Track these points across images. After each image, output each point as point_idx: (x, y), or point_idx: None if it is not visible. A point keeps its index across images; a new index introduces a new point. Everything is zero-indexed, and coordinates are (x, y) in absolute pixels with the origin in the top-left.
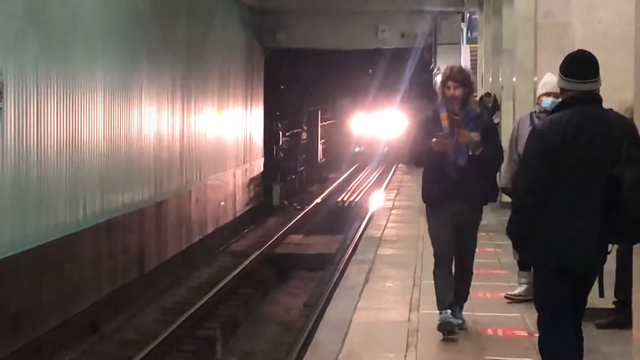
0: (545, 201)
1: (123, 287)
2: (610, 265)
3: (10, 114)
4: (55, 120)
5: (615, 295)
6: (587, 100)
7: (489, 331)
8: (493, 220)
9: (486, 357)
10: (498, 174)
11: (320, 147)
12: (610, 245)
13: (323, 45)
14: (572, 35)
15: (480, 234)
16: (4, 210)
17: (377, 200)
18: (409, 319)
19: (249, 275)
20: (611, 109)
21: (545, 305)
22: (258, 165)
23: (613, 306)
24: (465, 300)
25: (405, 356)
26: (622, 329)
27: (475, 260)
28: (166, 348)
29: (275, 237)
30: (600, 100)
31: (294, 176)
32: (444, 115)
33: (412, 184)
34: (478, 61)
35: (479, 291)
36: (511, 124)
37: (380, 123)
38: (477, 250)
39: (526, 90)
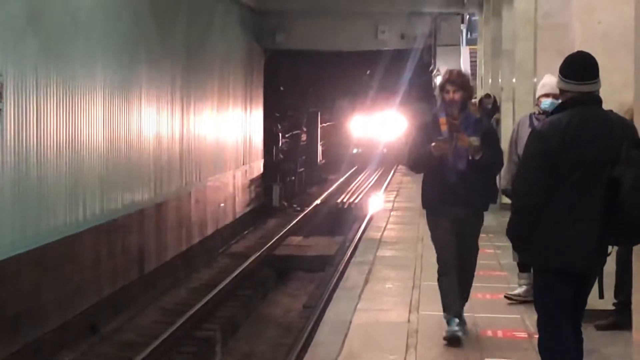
0: (545, 202)
1: (123, 288)
2: (610, 266)
3: (10, 115)
4: (55, 121)
5: (615, 296)
6: (587, 101)
7: (489, 332)
8: (493, 221)
9: (486, 359)
10: (498, 175)
11: (319, 148)
12: (610, 247)
13: (323, 46)
14: (571, 37)
15: (480, 236)
16: (3, 211)
17: (377, 202)
18: (408, 320)
19: (248, 277)
20: (611, 110)
21: (545, 307)
22: (258, 167)
23: (613, 307)
24: (466, 300)
25: (405, 357)
26: (622, 330)
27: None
28: (166, 349)
29: (274, 239)
30: (600, 101)
31: (293, 177)
32: (443, 119)
33: (412, 185)
34: (478, 62)
35: (478, 292)
36: (511, 125)
37: (379, 125)
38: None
39: (526, 91)
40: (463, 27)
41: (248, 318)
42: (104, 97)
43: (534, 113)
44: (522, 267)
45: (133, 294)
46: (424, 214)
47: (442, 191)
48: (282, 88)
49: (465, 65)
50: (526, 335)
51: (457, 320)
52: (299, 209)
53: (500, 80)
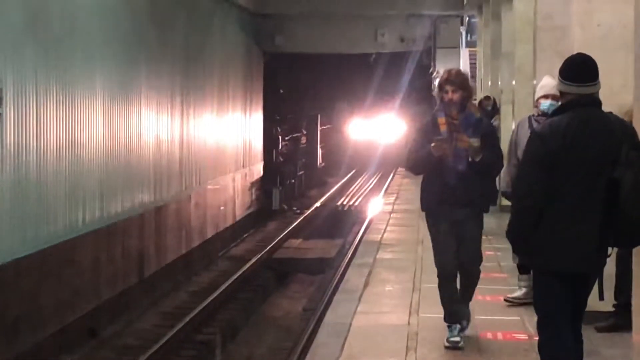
0: (544, 204)
1: (123, 292)
2: (610, 268)
3: (10, 120)
4: (55, 125)
5: (615, 298)
6: (587, 103)
7: (489, 334)
8: (492, 223)
9: None
10: (497, 177)
11: (319, 151)
12: (610, 248)
13: (322, 49)
14: (571, 39)
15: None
16: (3, 215)
17: (377, 204)
18: (408, 323)
19: (248, 280)
20: (610, 112)
21: (545, 308)
22: (257, 170)
23: (613, 309)
24: (470, 300)
25: None
26: (622, 332)
27: None
28: (166, 353)
29: (274, 242)
30: (599, 103)
31: (293, 180)
32: (442, 119)
33: (411, 187)
34: (477, 64)
35: (478, 294)
36: (510, 127)
37: (379, 127)
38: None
39: (525, 93)
40: (462, 30)
41: (248, 321)
42: (104, 101)
43: (533, 115)
44: (522, 269)
45: (133, 298)
46: (423, 216)
47: (441, 192)
48: (281, 91)
49: (464, 68)
50: (526, 337)
51: (458, 326)
52: (298, 211)
53: (499, 82)
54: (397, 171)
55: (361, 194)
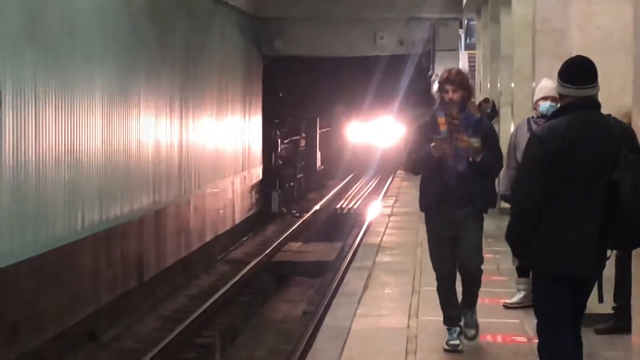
0: (544, 206)
1: (122, 295)
2: (609, 270)
3: (9, 124)
4: (54, 129)
5: (615, 300)
6: (586, 105)
7: (488, 337)
8: (492, 226)
9: None
10: (497, 180)
11: (318, 154)
12: (609, 251)
13: (321, 52)
14: (570, 42)
15: None
16: (2, 219)
17: (376, 207)
18: (408, 326)
19: (248, 283)
20: (610, 115)
21: (545, 311)
22: (257, 173)
23: (612, 311)
24: (474, 305)
25: None
26: (622, 334)
27: None
28: (165, 356)
29: (274, 245)
30: (598, 105)
31: (292, 183)
32: (441, 119)
33: (410, 190)
34: (476, 67)
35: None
36: (509, 129)
37: (377, 130)
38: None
39: (524, 96)
40: (461, 32)
41: (247, 324)
42: (103, 105)
43: (532, 117)
44: (521, 272)
45: (132, 301)
46: (422, 219)
47: (441, 192)
48: (280, 94)
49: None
50: (526, 340)
51: (458, 329)
52: (298, 214)
53: (498, 84)
54: (397, 174)
55: (360, 197)
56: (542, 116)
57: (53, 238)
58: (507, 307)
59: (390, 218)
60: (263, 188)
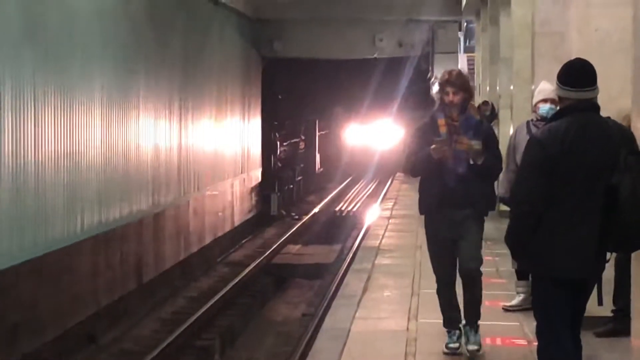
0: (543, 209)
1: (121, 298)
2: (608, 273)
3: (8, 126)
4: (53, 130)
5: (614, 303)
6: (585, 108)
7: (488, 340)
8: (491, 228)
9: None
10: (496, 182)
11: (318, 156)
12: (608, 253)
13: (320, 54)
14: (569, 44)
15: None
16: (1, 222)
17: (375, 210)
18: (407, 328)
19: (247, 285)
20: (609, 117)
21: (544, 314)
22: (256, 175)
23: (612, 314)
24: (478, 318)
25: None
26: (621, 337)
27: None
28: (165, 358)
29: (273, 247)
30: (598, 108)
31: (291, 186)
32: (441, 120)
33: (410, 193)
34: (475, 69)
35: None
36: (509, 132)
37: (376, 133)
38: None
39: (523, 98)
40: (460, 35)
41: (247, 326)
42: (102, 106)
43: (532, 120)
44: (520, 275)
45: (132, 304)
46: (422, 222)
47: (441, 194)
48: (280, 96)
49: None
50: (525, 343)
51: (457, 332)
52: (297, 217)
53: (498, 87)
54: (396, 176)
55: (359, 200)
56: (542, 119)
57: (52, 240)
58: (506, 310)
59: (390, 221)
60: (262, 190)
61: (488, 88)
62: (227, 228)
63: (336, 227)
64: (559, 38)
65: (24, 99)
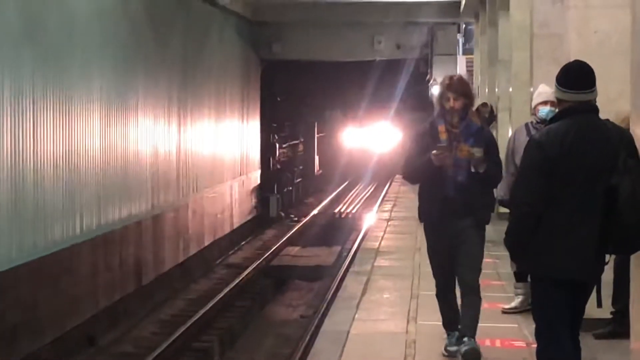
0: (542, 211)
1: (120, 300)
2: (607, 275)
3: (7, 127)
4: (52, 132)
5: (613, 305)
6: (584, 110)
7: (487, 342)
8: (490, 231)
9: None
10: None
11: (317, 158)
12: (607, 255)
13: (319, 56)
14: (568, 46)
15: None
16: (0, 223)
17: (374, 212)
18: (406, 331)
19: (246, 287)
20: (608, 119)
21: (543, 316)
22: (255, 177)
23: (611, 316)
24: (474, 334)
25: None
26: (620, 339)
27: None
28: None
29: (272, 249)
30: (597, 110)
31: (290, 188)
32: (442, 127)
33: (409, 195)
34: (474, 71)
35: None
36: (507, 134)
37: (374, 135)
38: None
39: (522, 100)
40: (459, 37)
41: (246, 329)
42: (101, 108)
43: (531, 122)
44: (519, 277)
45: (131, 306)
46: (421, 226)
47: (442, 203)
48: (278, 98)
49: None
50: (524, 345)
51: (456, 334)
52: (296, 219)
53: (496, 89)
54: (395, 179)
55: (359, 202)
56: (542, 121)
57: (51, 242)
58: (505, 312)
59: (389, 223)
60: (261, 192)
61: (487, 90)
62: (226, 230)
63: (335, 229)
64: (558, 40)
65: (23, 100)
